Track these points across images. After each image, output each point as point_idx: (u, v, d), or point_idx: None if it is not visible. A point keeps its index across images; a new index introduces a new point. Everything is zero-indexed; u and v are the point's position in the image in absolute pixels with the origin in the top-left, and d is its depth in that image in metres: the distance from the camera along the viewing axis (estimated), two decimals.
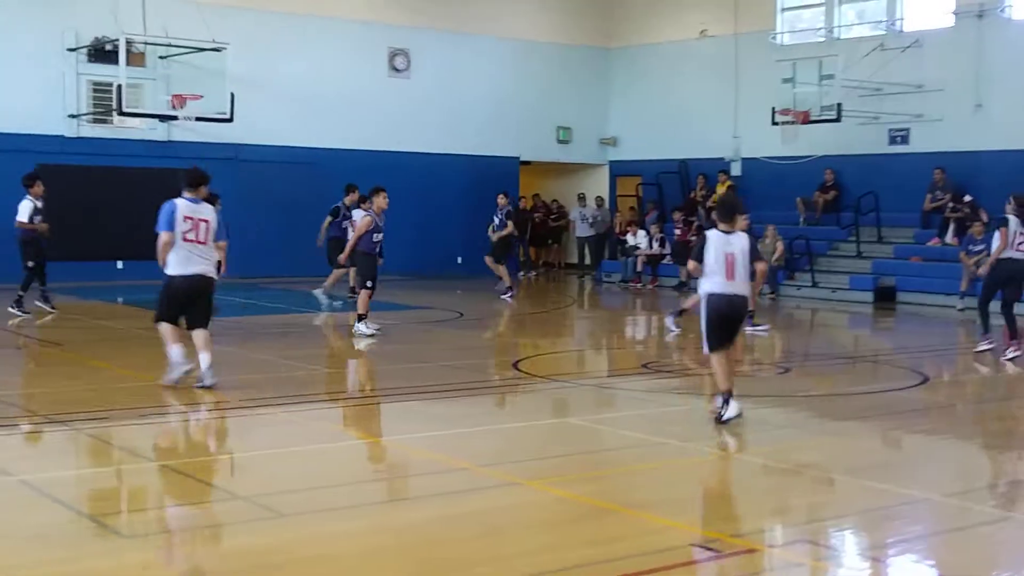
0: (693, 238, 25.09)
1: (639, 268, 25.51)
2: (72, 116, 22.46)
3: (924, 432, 10.03)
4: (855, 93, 23.28)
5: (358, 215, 17.08)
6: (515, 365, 13.25)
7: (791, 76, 23.77)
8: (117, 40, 20.73)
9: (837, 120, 22.86)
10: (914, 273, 21.91)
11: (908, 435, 9.96)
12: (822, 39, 25.24)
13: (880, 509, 7.28)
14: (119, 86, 20.56)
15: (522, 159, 28.74)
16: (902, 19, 24.08)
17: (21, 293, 16.77)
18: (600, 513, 7.07)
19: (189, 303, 10.92)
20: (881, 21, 24.33)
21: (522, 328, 18.67)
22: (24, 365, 13.70)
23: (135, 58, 21.76)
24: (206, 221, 10.81)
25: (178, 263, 10.78)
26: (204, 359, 10.77)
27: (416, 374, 12.72)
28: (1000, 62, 22.47)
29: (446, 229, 26.80)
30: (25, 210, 16.69)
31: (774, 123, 23.78)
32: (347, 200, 19.52)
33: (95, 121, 22.72)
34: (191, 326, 10.94)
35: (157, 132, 23.14)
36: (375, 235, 15.11)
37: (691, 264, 9.82)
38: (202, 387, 10.73)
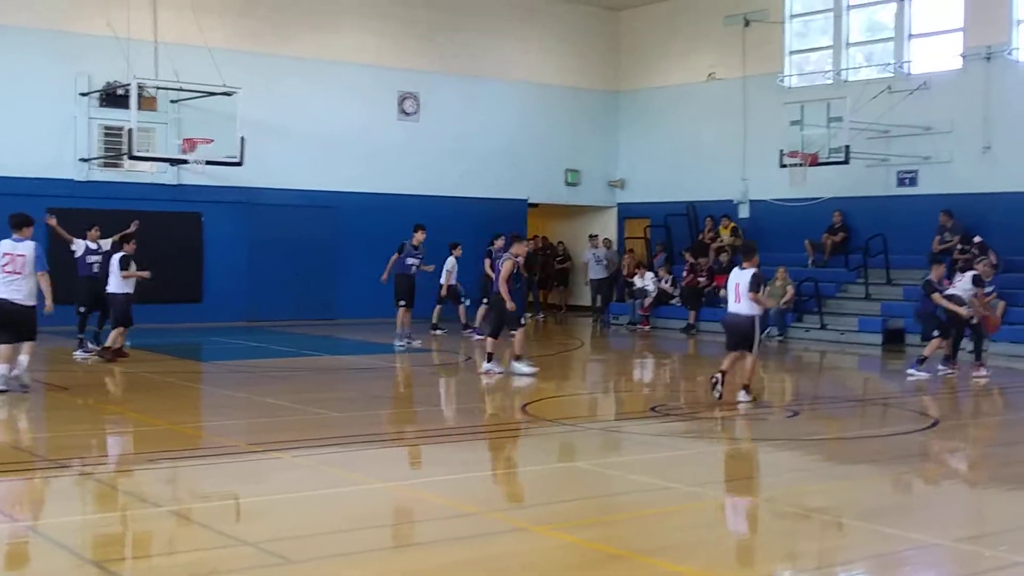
0: (703, 279, 25.18)
1: (646, 312, 25.45)
2: (83, 160, 22.60)
3: (934, 476, 9.98)
4: (863, 135, 23.34)
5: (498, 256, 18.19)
6: (523, 408, 13.22)
7: (799, 118, 23.85)
8: (129, 84, 20.89)
9: (845, 162, 22.91)
10: None
11: (918, 479, 9.91)
12: (830, 81, 25.35)
13: (890, 554, 7.23)
14: (130, 130, 20.69)
15: (531, 201, 28.82)
16: (910, 62, 24.18)
17: (80, 336, 17.47)
18: (609, 559, 7.03)
19: (9, 323, 13.07)
20: (889, 64, 24.44)
21: None
22: (32, 410, 13.69)
23: (147, 102, 21.91)
24: (23, 256, 13.11)
25: None
26: (23, 359, 13.24)
27: (424, 417, 12.71)
28: (1008, 104, 22.53)
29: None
30: (80, 247, 17.59)
31: (782, 165, 23.83)
32: (415, 239, 20.10)
33: (106, 165, 22.86)
34: (20, 340, 13.19)
35: (168, 176, 23.27)
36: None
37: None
38: (20, 386, 13.15)
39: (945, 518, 8.37)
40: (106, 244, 17.91)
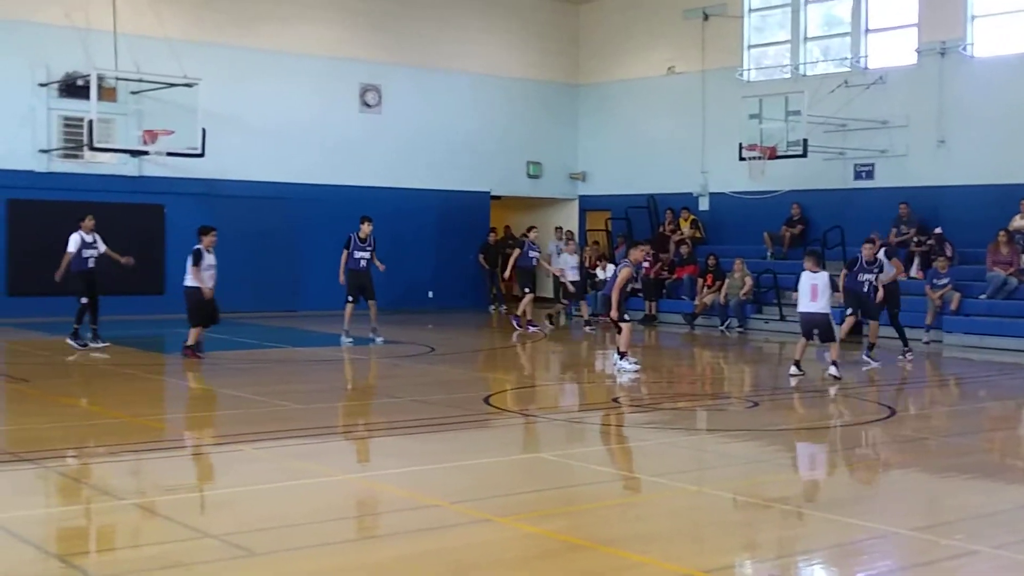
0: (665, 272, 25.34)
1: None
2: (43, 151, 22.42)
3: (891, 466, 10.14)
4: (821, 129, 23.59)
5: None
6: (486, 400, 13.29)
7: (757, 112, 24.03)
8: (88, 75, 20.72)
9: (803, 156, 23.12)
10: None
11: (875, 469, 10.07)
12: (788, 76, 25.58)
13: (848, 544, 7.36)
14: (90, 121, 20.51)
15: (493, 193, 28.89)
16: (866, 56, 24.44)
17: (76, 325, 17.34)
18: (572, 549, 7.12)
19: None
20: (846, 58, 24.68)
21: (493, 362, 18.72)
22: None
23: (106, 93, 21.75)
24: None
25: None
26: None
27: (387, 409, 12.74)
28: (963, 98, 22.82)
29: (417, 263, 26.88)
30: (74, 243, 17.25)
31: (741, 158, 24.03)
32: (362, 232, 19.29)
33: (66, 156, 22.68)
34: None
35: (128, 167, 23.12)
36: (630, 284, 16.22)
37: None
38: None
39: (902, 507, 8.52)
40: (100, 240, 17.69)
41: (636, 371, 15.50)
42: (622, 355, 15.69)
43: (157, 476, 9.35)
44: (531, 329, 21.47)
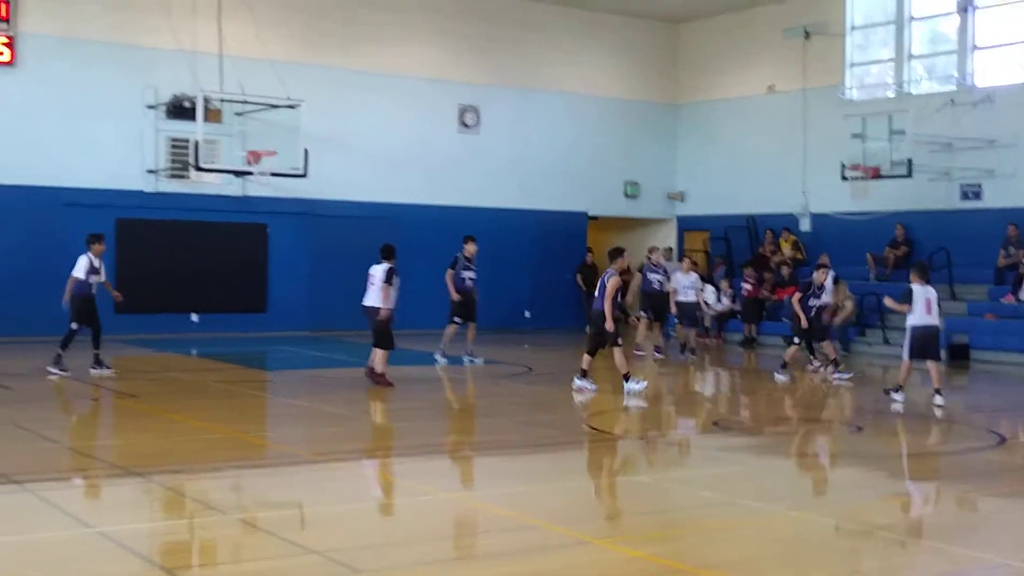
0: (766, 294, 25.00)
1: (707, 323, 25.40)
2: (150, 172, 22.98)
3: (1000, 495, 9.86)
4: (926, 148, 23.13)
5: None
6: (585, 421, 13.24)
7: (860, 131, 23.68)
8: (195, 97, 21.21)
9: (908, 176, 22.68)
10: (988, 330, 21.55)
11: (983, 497, 9.81)
12: (892, 94, 25.16)
13: (955, 574, 7.18)
14: (196, 142, 20.98)
15: (590, 214, 28.87)
16: (973, 74, 23.94)
17: (61, 351, 16.13)
18: (673, 573, 7.05)
19: None
20: (952, 76, 24.21)
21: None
22: (101, 417, 13.96)
23: (212, 115, 22.22)
24: None
25: None
26: None
27: (487, 429, 12.78)
28: None
29: (515, 283, 26.95)
30: (81, 266, 16.31)
31: (843, 178, 23.66)
32: (467, 251, 19.17)
33: (172, 176, 23.21)
34: None
35: (232, 187, 23.58)
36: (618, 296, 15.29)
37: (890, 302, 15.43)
38: None
39: (1012, 538, 8.29)
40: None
41: (644, 390, 15.06)
42: (626, 377, 15.12)
43: (260, 491, 9.49)
44: (657, 355, 20.46)
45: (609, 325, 14.83)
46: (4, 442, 10.99)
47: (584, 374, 15.41)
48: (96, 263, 16.46)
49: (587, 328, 27.56)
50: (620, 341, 15.17)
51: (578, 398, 15.01)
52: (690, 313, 21.38)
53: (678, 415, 15.07)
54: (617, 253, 15.44)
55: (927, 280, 15.15)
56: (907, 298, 14.99)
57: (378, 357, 15.54)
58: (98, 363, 16.40)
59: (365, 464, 10.26)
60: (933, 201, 24.12)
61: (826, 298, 18.10)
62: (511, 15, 27.34)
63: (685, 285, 21.28)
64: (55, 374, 15.90)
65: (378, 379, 15.47)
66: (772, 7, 27.41)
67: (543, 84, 27.87)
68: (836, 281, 19.48)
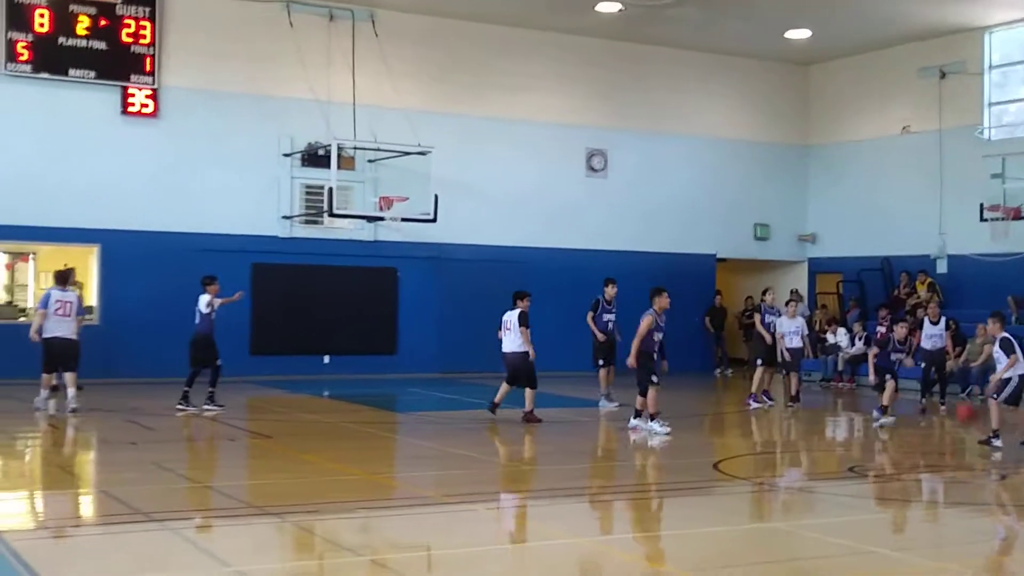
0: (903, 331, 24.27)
1: (840, 367, 24.89)
2: (285, 217, 23.55)
3: None
4: None
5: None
6: (715, 466, 13.07)
7: (1000, 171, 23.06)
8: (329, 145, 21.74)
9: None
10: None
11: None
12: None
13: None
14: (330, 189, 21.51)
15: (719, 256, 28.62)
16: None
17: (187, 388, 16.95)
18: None
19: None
20: None
21: (720, 427, 18.41)
22: (238, 458, 14.27)
23: (345, 162, 22.78)
24: (71, 303, 16.57)
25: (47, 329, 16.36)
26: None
27: (616, 472, 12.68)
28: None
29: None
30: (205, 304, 17.09)
31: (982, 219, 23.06)
32: (607, 294, 19.21)
33: (307, 222, 23.76)
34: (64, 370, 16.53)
35: (364, 232, 24.01)
36: (656, 334, 15.39)
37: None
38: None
39: None
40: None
41: (667, 435, 14.91)
42: (652, 416, 15.11)
43: (390, 533, 9.57)
44: (752, 404, 19.27)
45: (631, 362, 15.10)
46: (148, 482, 11.30)
47: (638, 413, 15.61)
48: (216, 302, 17.18)
49: (717, 371, 27.35)
50: (655, 379, 15.22)
51: (633, 436, 15.17)
52: (795, 359, 19.94)
53: (815, 460, 14.76)
54: (656, 292, 15.57)
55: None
56: (1010, 348, 14.55)
57: (527, 397, 16.34)
58: (210, 400, 17.06)
59: (493, 507, 10.27)
60: None
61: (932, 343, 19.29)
62: (638, 60, 27.35)
63: (791, 331, 19.82)
64: (188, 410, 16.74)
65: (528, 417, 16.20)
66: (904, 47, 26.87)
67: (671, 127, 27.80)
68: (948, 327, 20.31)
